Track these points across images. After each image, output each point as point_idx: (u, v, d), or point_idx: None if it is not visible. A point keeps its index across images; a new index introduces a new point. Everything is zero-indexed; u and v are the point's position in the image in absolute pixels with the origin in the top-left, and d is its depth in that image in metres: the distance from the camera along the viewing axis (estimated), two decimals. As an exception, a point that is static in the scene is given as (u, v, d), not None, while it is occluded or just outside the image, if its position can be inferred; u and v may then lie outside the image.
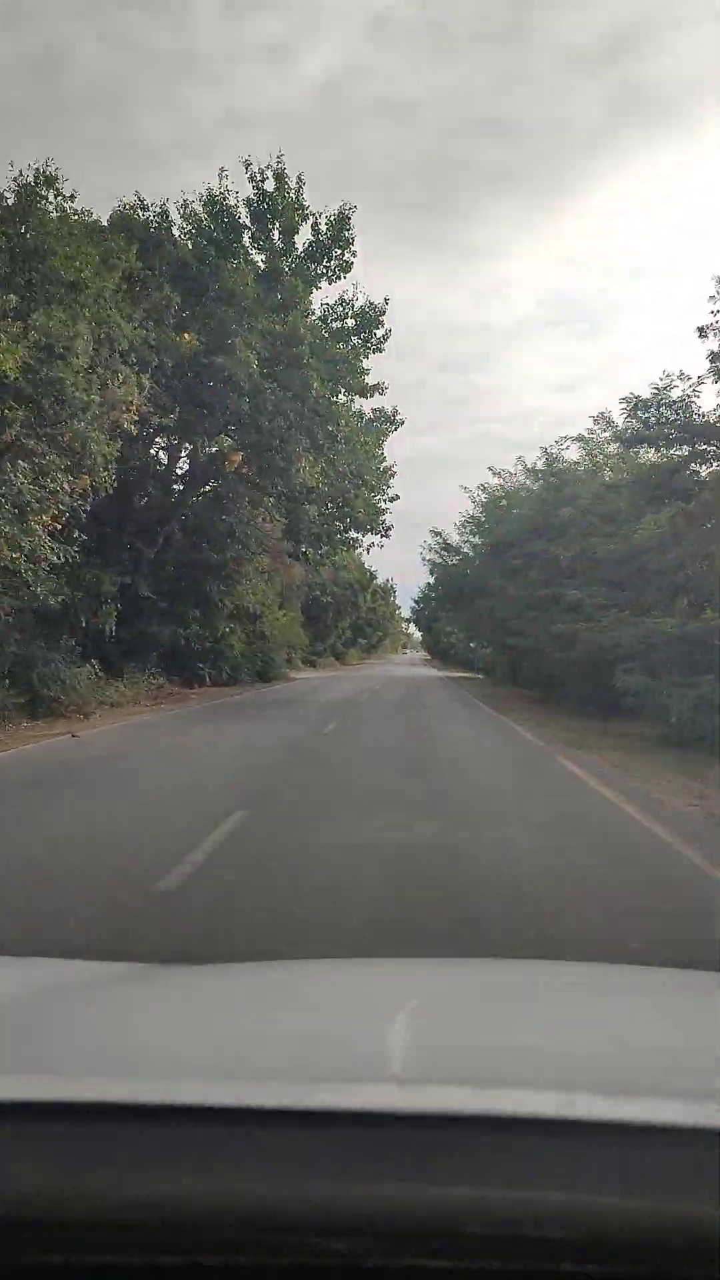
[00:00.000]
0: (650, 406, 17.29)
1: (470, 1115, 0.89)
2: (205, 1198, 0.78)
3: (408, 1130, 0.87)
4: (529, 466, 27.92)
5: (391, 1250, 0.77)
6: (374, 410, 32.31)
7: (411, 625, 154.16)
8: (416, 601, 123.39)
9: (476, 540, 49.32)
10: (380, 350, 27.76)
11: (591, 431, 27.07)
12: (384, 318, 27.07)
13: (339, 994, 1.71)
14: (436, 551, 51.85)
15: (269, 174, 24.95)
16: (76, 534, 17.00)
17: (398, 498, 32.77)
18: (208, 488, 28.66)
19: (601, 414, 25.89)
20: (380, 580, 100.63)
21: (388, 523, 32.95)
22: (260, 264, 24.94)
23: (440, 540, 51.88)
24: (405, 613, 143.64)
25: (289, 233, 25.22)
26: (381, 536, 32.38)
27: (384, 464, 32.61)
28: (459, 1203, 0.78)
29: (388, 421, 32.60)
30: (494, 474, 45.38)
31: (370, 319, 27.08)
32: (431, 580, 54.84)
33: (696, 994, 1.79)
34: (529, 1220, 0.76)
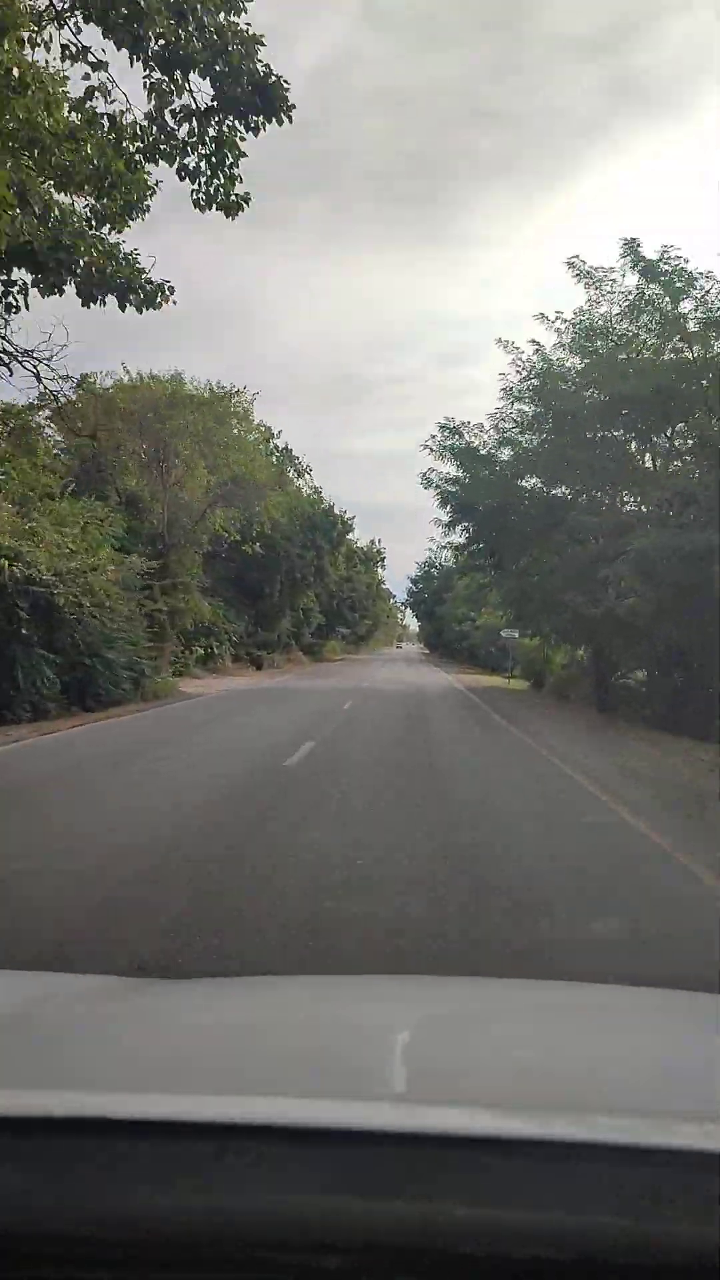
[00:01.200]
0: None
1: (467, 1135, 0.89)
2: (200, 1214, 0.78)
3: (404, 1149, 0.86)
4: None
5: (387, 1268, 0.77)
6: None
7: (408, 613, 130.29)
8: (414, 581, 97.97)
9: (527, 439, 23.92)
10: None
11: None
12: None
13: (338, 1011, 1.71)
14: (456, 455, 26.23)
15: None
16: None
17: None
18: None
19: None
20: (359, 539, 73.84)
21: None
22: None
23: (459, 443, 26.09)
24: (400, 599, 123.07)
25: None
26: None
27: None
28: (455, 1222, 0.78)
29: None
30: (578, 274, 20.94)
31: None
32: (443, 520, 28.22)
33: (695, 1016, 1.78)
34: (525, 1240, 0.77)
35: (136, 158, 9.49)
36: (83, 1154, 0.85)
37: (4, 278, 10.56)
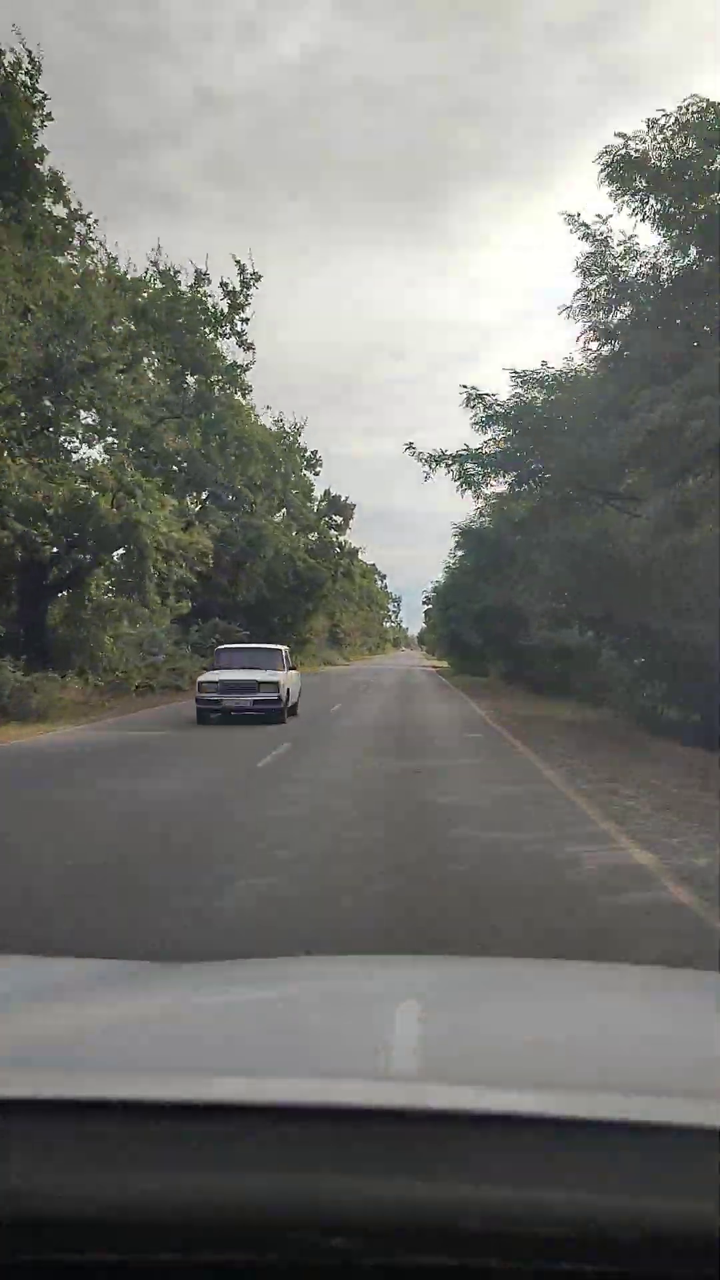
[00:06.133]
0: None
1: (471, 1113, 0.88)
2: (203, 1195, 0.78)
3: (408, 1127, 0.86)
4: None
5: (391, 1248, 0.76)
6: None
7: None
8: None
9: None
10: None
11: None
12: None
13: (339, 991, 1.69)
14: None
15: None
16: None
17: None
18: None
19: None
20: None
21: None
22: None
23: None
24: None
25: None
26: None
27: None
28: (458, 1200, 0.77)
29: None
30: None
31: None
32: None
33: (696, 993, 1.77)
34: (528, 1218, 0.76)
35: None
36: (85, 1136, 0.85)
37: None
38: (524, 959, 3.45)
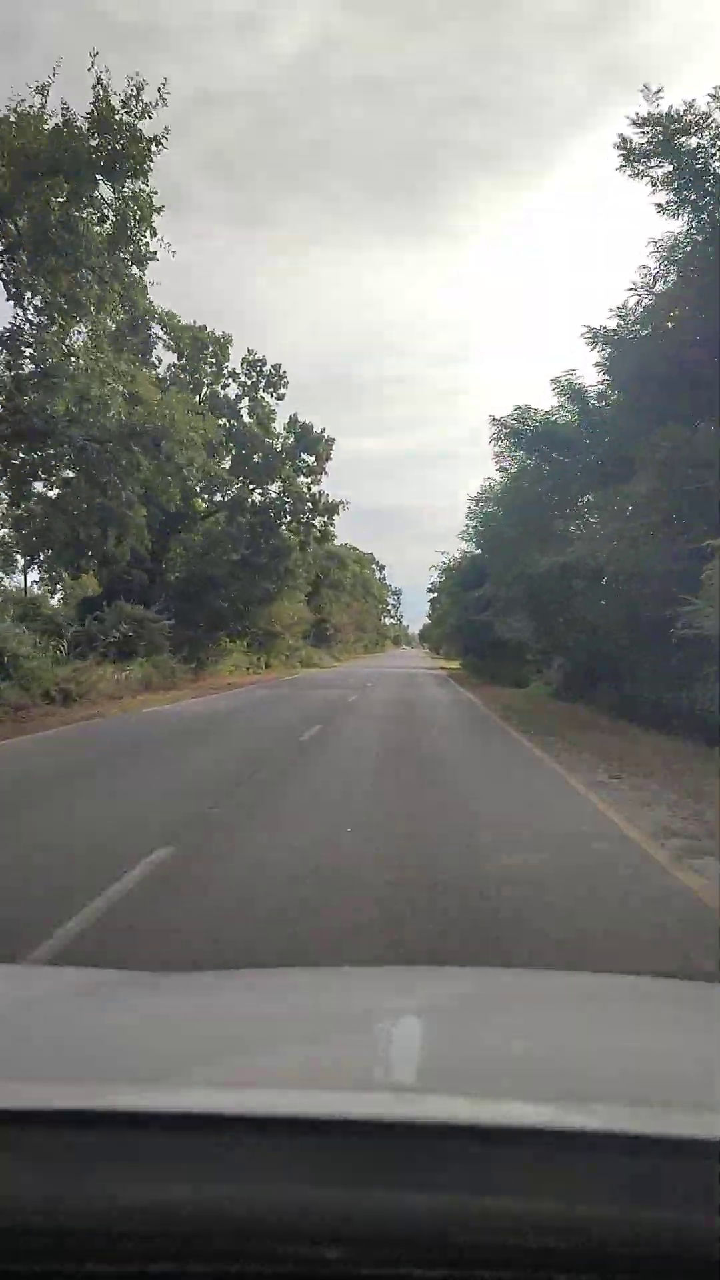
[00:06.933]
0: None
1: (467, 1125, 0.88)
2: (199, 1206, 0.78)
3: (404, 1139, 0.87)
4: None
5: (385, 1259, 0.77)
6: None
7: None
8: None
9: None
10: None
11: None
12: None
13: (337, 1002, 1.70)
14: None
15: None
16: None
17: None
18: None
19: None
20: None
21: None
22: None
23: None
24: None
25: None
26: None
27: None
28: (454, 1212, 0.78)
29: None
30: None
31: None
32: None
33: (694, 1006, 1.77)
34: (524, 1230, 0.77)
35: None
36: (81, 1147, 0.85)
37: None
38: (523, 970, 3.40)
